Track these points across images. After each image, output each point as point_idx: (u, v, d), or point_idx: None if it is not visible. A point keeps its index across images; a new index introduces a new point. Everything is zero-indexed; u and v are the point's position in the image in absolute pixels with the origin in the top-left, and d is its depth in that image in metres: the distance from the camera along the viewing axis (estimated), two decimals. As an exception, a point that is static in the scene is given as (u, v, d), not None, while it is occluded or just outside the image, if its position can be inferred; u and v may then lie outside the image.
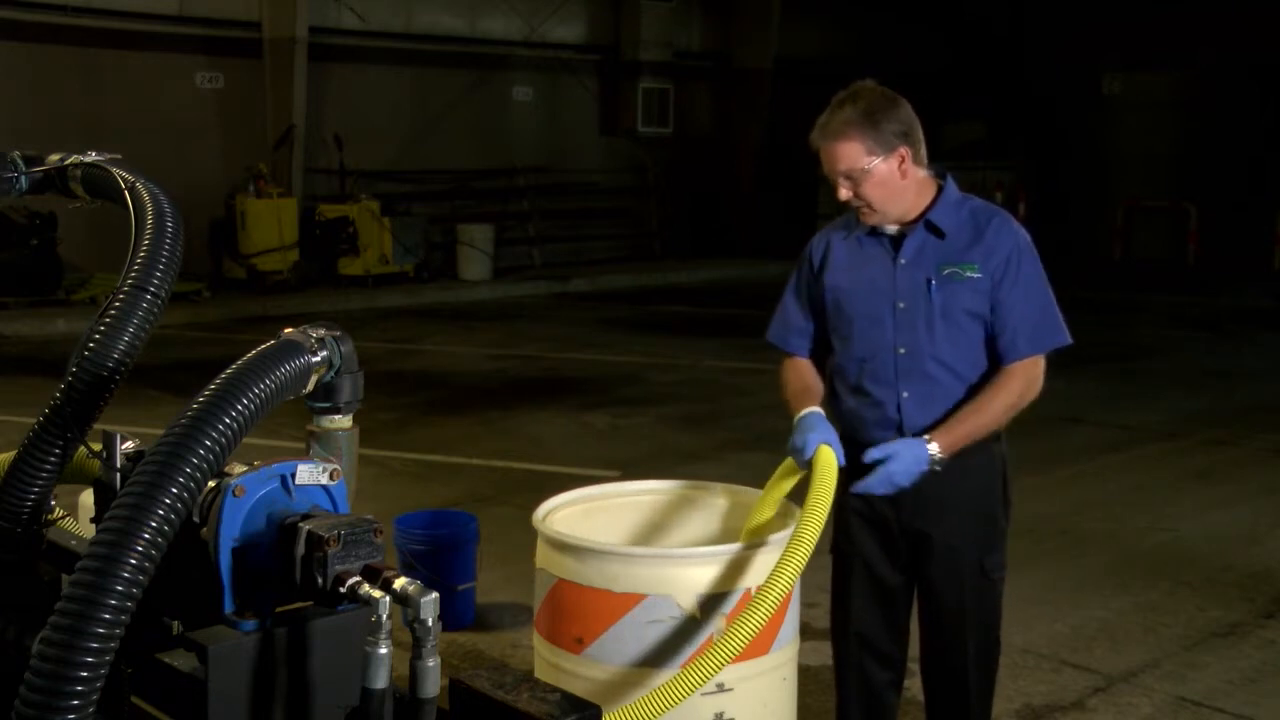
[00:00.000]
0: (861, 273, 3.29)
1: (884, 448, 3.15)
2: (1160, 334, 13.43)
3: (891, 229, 3.25)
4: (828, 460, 3.08)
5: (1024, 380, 3.21)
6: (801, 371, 3.43)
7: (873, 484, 3.14)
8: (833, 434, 3.19)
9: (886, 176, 3.14)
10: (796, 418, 3.26)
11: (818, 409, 3.27)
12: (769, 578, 2.83)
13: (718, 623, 3.08)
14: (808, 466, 3.14)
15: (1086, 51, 20.73)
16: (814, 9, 20.60)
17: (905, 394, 3.24)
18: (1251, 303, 15.70)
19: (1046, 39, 21.14)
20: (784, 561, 2.84)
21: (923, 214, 3.22)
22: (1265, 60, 18.85)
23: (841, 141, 3.12)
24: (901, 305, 3.23)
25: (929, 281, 3.20)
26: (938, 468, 3.15)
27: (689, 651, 3.08)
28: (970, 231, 3.22)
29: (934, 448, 3.14)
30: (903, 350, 3.23)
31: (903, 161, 3.14)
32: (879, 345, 3.26)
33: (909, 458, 3.12)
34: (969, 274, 3.19)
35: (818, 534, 2.89)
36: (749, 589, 3.11)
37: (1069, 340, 3.27)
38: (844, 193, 3.17)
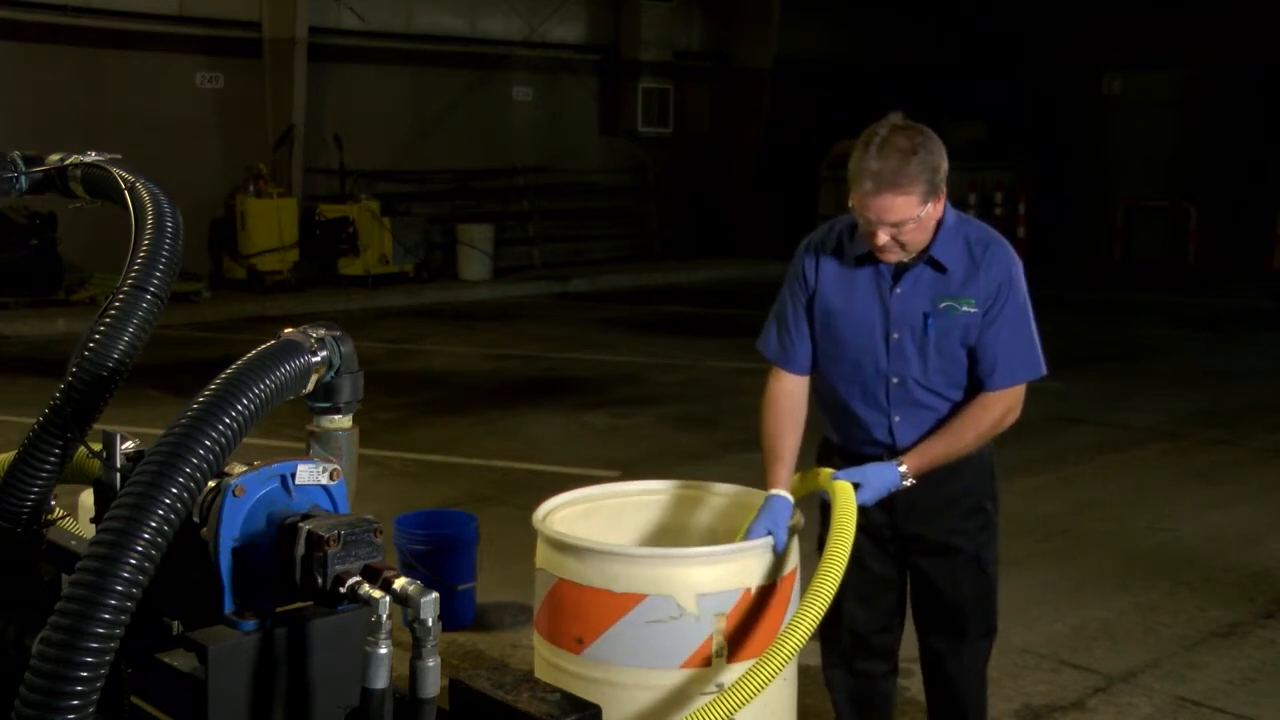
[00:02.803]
0: (854, 298, 3.25)
1: (856, 472, 3.16)
2: (1160, 334, 13.42)
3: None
4: (845, 498, 3.08)
5: (1002, 409, 3.21)
6: (782, 413, 3.31)
7: None
8: (783, 522, 3.12)
9: (927, 221, 3.10)
10: (765, 496, 3.21)
11: (784, 496, 3.19)
12: (795, 614, 2.82)
13: (718, 623, 3.08)
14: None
15: (1086, 51, 20.73)
16: (814, 9, 20.59)
17: (897, 418, 3.26)
18: (1251, 303, 15.69)
19: (1046, 39, 21.12)
20: (805, 606, 2.84)
21: (926, 247, 3.17)
22: (1265, 61, 18.84)
23: (900, 194, 2.99)
24: (895, 336, 3.21)
25: (926, 316, 3.18)
26: (906, 483, 3.19)
27: (689, 651, 3.08)
28: (967, 264, 3.18)
29: (904, 470, 3.18)
30: (895, 380, 3.23)
31: (940, 201, 3.11)
32: (870, 372, 3.25)
33: (879, 485, 3.16)
34: (965, 308, 3.17)
35: (836, 584, 2.89)
36: (749, 589, 3.11)
37: (1044, 372, 3.25)
38: (883, 238, 3.06)
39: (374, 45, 16.82)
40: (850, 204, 3.09)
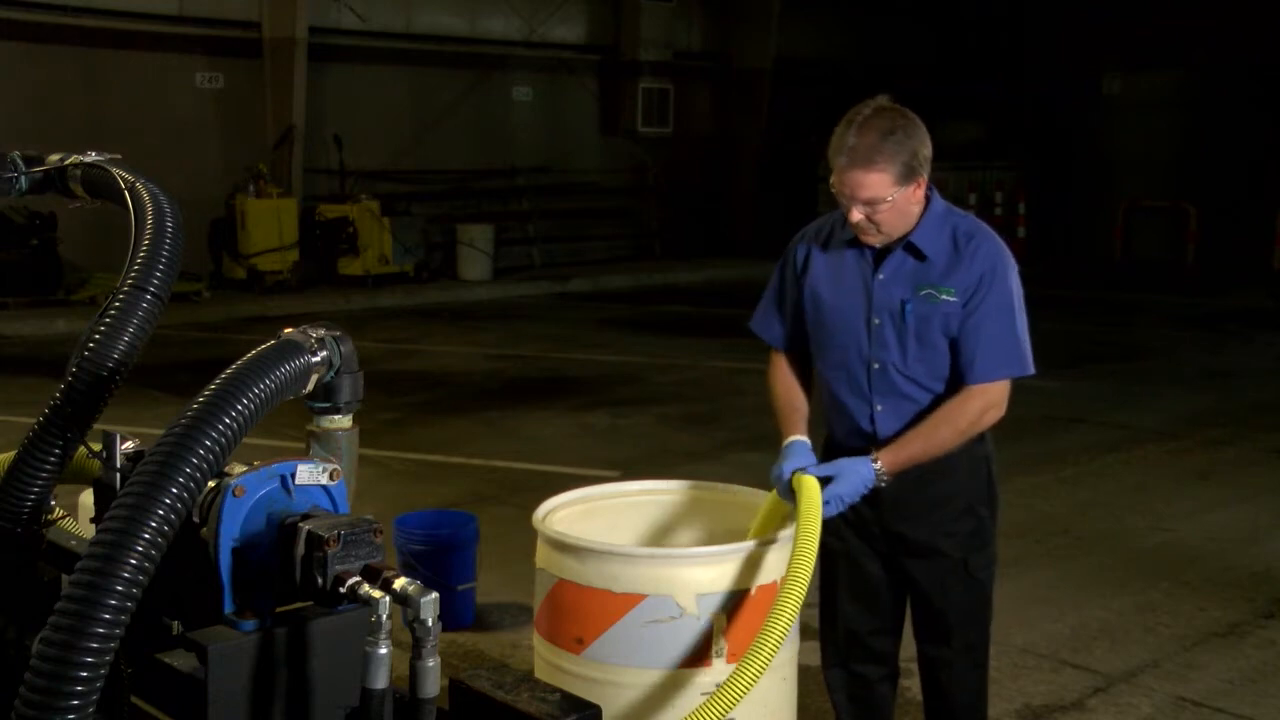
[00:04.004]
0: (840, 284, 3.27)
1: (830, 466, 3.16)
2: (1160, 334, 13.41)
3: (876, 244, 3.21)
4: (811, 490, 3.09)
5: (981, 405, 3.16)
6: (788, 379, 3.42)
7: (828, 508, 3.12)
8: (812, 459, 3.21)
9: (903, 204, 3.09)
10: (784, 444, 3.28)
11: (802, 438, 3.28)
12: (766, 622, 2.78)
13: (718, 623, 3.08)
14: (787, 494, 3.17)
15: (1086, 51, 20.73)
16: (814, 9, 20.60)
17: (879, 407, 3.24)
18: (1251, 303, 15.69)
19: (1046, 39, 21.13)
20: (778, 607, 2.81)
21: (907, 233, 3.18)
22: (1265, 60, 18.84)
23: (871, 171, 3.01)
24: (876, 322, 3.21)
25: (904, 302, 3.17)
26: (883, 483, 3.17)
27: (689, 651, 3.08)
28: (950, 254, 3.17)
29: (879, 466, 3.15)
30: (876, 365, 3.23)
31: (918, 188, 3.11)
32: (853, 358, 3.26)
33: (854, 479, 3.13)
34: (945, 297, 3.15)
35: (809, 573, 2.89)
36: (749, 589, 3.11)
37: (1031, 371, 3.20)
38: (856, 215, 3.08)
39: (374, 45, 16.82)
40: (830, 182, 3.11)
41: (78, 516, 2.35)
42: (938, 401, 3.22)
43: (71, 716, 1.47)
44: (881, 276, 3.20)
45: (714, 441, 8.37)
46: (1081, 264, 18.84)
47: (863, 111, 3.06)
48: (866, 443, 3.25)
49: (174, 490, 1.58)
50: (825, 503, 3.07)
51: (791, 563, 2.90)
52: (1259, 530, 6.63)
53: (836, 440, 3.36)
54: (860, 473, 3.14)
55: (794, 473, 3.16)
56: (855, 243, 3.22)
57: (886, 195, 3.04)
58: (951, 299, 3.15)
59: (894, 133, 3.02)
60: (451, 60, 17.62)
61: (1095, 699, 4.60)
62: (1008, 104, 20.93)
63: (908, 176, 3.05)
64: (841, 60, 20.65)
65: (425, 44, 17.39)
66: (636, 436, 8.65)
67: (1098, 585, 5.77)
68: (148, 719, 1.82)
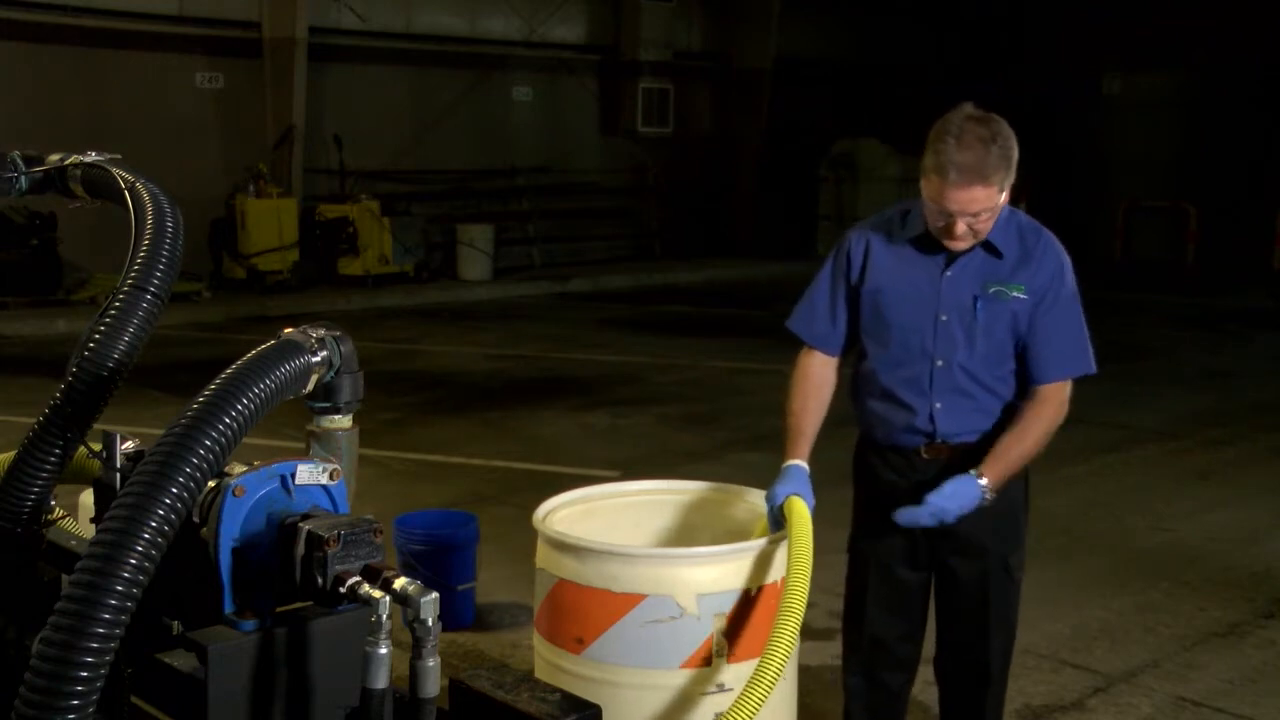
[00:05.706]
0: (905, 280, 3.24)
1: (938, 492, 3.12)
2: (1160, 334, 13.42)
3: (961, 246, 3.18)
4: (801, 514, 3.10)
5: (1056, 404, 3.22)
6: (809, 389, 3.36)
7: (920, 515, 3.13)
8: (806, 487, 3.21)
9: (999, 208, 3.10)
10: (782, 466, 3.27)
11: (801, 463, 3.27)
12: (765, 652, 2.75)
13: (718, 623, 3.08)
14: (776, 517, 3.18)
15: (1086, 51, 20.72)
16: (814, 9, 20.59)
17: (939, 404, 3.23)
18: (1251, 303, 15.69)
19: (1046, 39, 21.13)
20: (777, 632, 2.79)
21: None
22: (1265, 60, 18.84)
23: (984, 186, 3.00)
24: (944, 318, 3.20)
25: (975, 299, 3.18)
26: (988, 500, 3.15)
27: (689, 652, 3.08)
28: (1019, 251, 3.20)
29: (984, 483, 3.14)
30: (940, 363, 3.21)
31: (1009, 189, 3.11)
32: (916, 355, 3.23)
33: (964, 497, 3.12)
34: (1015, 294, 3.17)
35: (805, 596, 2.88)
36: (749, 589, 3.11)
37: (1094, 369, 3.25)
38: (962, 227, 3.06)
39: (374, 45, 16.82)
40: (925, 195, 3.07)
41: (78, 516, 2.35)
42: (996, 400, 3.23)
43: (71, 716, 1.47)
44: (950, 274, 3.20)
45: (714, 441, 8.36)
46: (1081, 264, 18.63)
47: (954, 121, 3.02)
48: (923, 439, 3.26)
49: (174, 490, 1.58)
50: (925, 513, 3.09)
51: (785, 590, 2.89)
52: (1259, 530, 6.63)
53: (887, 440, 3.32)
54: (969, 491, 3.13)
55: (787, 497, 3.17)
56: (921, 240, 3.21)
57: (994, 204, 3.05)
58: (1021, 296, 3.17)
59: (995, 141, 3.00)
60: (451, 60, 17.61)
61: (1095, 699, 4.60)
62: (1008, 104, 20.86)
63: (1008, 181, 3.06)
64: (841, 60, 20.65)
65: (425, 44, 17.39)
66: (636, 436, 8.65)
67: (1098, 585, 5.77)
68: (148, 719, 1.82)
